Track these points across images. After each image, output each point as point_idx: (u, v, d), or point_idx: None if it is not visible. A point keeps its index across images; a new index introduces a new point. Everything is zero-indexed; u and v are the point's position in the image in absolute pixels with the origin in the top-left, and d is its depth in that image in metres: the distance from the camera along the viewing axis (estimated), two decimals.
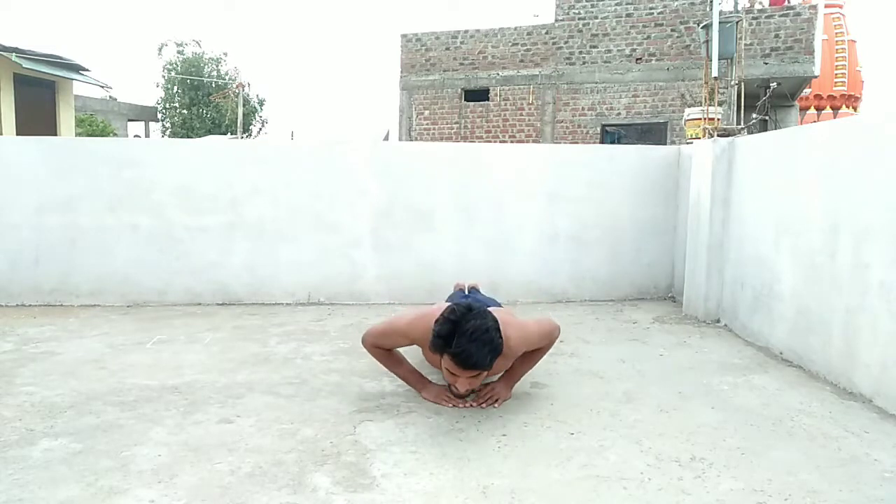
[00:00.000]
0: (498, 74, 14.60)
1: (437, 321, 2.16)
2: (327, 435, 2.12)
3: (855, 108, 18.91)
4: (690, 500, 1.73)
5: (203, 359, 2.97)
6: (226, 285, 4.23)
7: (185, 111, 27.85)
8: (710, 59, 8.12)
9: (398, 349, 2.54)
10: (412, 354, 2.66)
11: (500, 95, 14.66)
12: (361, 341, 2.53)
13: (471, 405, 2.36)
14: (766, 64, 12.73)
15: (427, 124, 15.19)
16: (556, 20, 14.16)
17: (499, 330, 2.16)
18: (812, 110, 18.66)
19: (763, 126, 10.81)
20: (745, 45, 11.40)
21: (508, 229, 4.42)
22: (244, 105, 23.60)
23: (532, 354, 2.53)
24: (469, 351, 2.07)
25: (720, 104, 9.35)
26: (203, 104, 27.57)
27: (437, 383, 2.50)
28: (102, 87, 16.58)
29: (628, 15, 13.62)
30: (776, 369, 2.91)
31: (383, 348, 2.49)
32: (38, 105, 13.55)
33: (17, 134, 12.24)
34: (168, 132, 27.77)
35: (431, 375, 2.57)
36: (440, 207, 4.37)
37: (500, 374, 2.54)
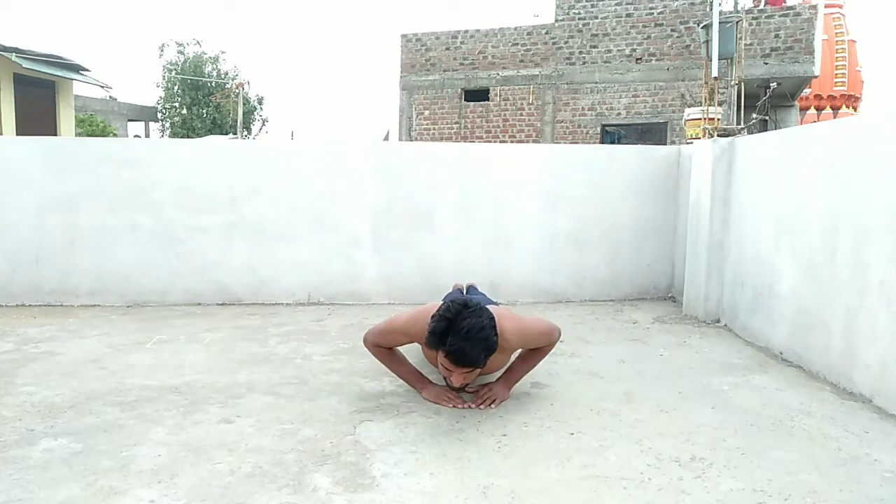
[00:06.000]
0: (498, 74, 14.60)
1: (432, 318, 2.18)
2: (327, 435, 2.12)
3: (855, 108, 18.90)
4: (690, 500, 1.73)
5: (203, 359, 2.97)
6: (226, 285, 4.23)
7: (185, 111, 27.82)
8: (710, 59, 8.11)
9: (399, 349, 2.54)
10: (413, 354, 2.66)
11: (500, 95, 14.65)
12: (363, 341, 2.54)
13: (470, 406, 2.37)
14: (766, 64, 12.73)
15: (427, 124, 15.18)
16: (556, 20, 14.16)
17: (494, 328, 2.17)
18: (812, 110, 18.65)
19: (763, 126, 10.80)
20: (745, 45, 11.39)
21: (508, 229, 4.41)
22: (244, 104, 23.57)
23: (531, 355, 2.53)
24: (463, 349, 2.09)
25: (720, 104, 9.35)
26: (203, 104, 27.55)
27: (438, 384, 2.50)
28: (102, 87, 16.61)
29: (628, 15, 13.61)
30: (776, 369, 2.91)
31: (384, 347, 2.50)
32: (38, 105, 13.56)
33: (18, 134, 12.25)
34: (168, 132, 27.74)
35: (432, 375, 2.57)
36: (440, 207, 4.37)
37: (500, 371, 2.55)
